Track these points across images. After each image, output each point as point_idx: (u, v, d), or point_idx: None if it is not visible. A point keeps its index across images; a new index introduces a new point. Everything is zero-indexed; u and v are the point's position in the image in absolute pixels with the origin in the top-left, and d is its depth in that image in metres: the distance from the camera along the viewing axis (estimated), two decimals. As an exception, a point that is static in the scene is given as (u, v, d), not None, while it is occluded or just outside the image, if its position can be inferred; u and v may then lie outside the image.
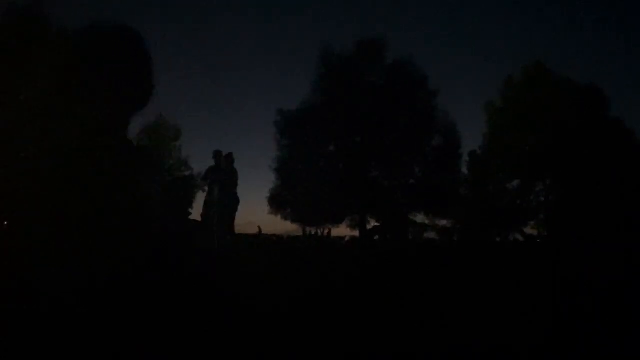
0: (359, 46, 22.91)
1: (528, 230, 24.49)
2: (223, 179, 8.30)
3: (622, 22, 54.96)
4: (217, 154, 8.69)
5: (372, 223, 22.76)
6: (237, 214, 8.61)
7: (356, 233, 22.80)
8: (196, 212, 10.05)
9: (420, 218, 23.38)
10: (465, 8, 55.84)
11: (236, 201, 8.51)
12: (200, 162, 28.12)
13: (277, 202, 22.74)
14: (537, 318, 3.43)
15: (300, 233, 22.16)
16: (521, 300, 4.29)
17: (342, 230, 23.42)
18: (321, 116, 22.04)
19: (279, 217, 23.04)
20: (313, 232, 21.41)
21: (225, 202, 8.15)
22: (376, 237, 22.57)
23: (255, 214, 36.47)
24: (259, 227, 18.48)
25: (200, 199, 10.21)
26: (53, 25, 20.44)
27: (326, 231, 21.62)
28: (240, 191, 9.24)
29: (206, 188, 8.90)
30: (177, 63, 51.91)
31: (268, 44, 59.73)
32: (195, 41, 61.36)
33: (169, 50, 60.52)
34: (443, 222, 24.05)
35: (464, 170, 24.47)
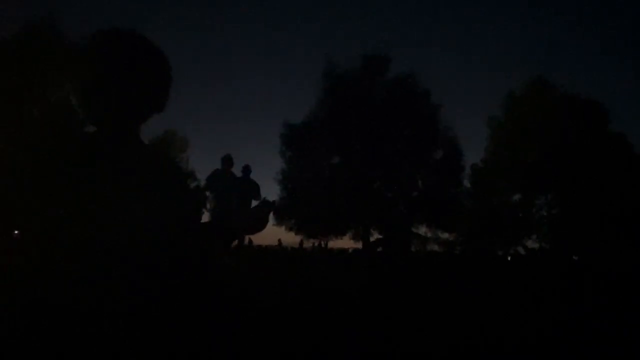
0: (363, 61, 23.00)
1: (530, 243, 24.42)
2: (241, 189, 7.62)
3: (625, 37, 55.11)
4: (227, 160, 7.83)
5: (375, 235, 22.70)
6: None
7: (359, 245, 22.73)
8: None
9: (422, 230, 23.28)
10: (470, 23, 56.22)
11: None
12: (206, 174, 28.21)
13: (282, 214, 22.72)
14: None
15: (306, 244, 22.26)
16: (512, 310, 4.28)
17: (346, 242, 23.38)
18: (326, 129, 22.09)
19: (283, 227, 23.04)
20: (316, 244, 21.46)
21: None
22: (379, 249, 22.50)
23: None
24: (279, 240, 19.77)
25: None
26: (67, 36, 20.67)
27: (323, 243, 21.82)
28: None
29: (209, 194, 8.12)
30: (184, 75, 52.30)
31: (274, 58, 60.20)
32: (200, 54, 61.90)
33: (176, 62, 61.14)
34: (445, 235, 23.97)
35: (467, 183, 24.56)
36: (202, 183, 26.75)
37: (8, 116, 18.70)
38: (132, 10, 59.10)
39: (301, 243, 21.62)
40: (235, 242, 7.97)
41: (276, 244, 20.32)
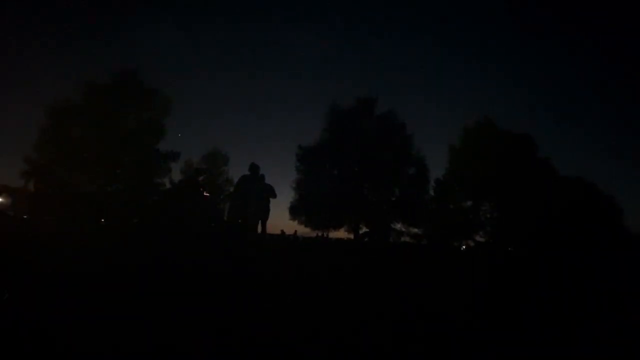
0: (357, 102, 23.31)
1: (478, 238, 24.37)
2: (258, 190, 7.16)
3: (558, 82, 55.33)
4: (254, 167, 7.39)
5: (363, 229, 22.77)
6: (268, 221, 7.38)
7: (351, 236, 22.79)
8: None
9: (398, 226, 23.30)
10: (436, 72, 56.70)
11: (267, 210, 7.35)
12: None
13: (295, 212, 22.87)
14: (467, 295, 3.56)
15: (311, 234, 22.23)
16: (458, 284, 4.44)
17: (341, 234, 23.42)
18: (329, 151, 22.31)
19: (296, 222, 23.11)
20: (320, 234, 21.48)
21: (259, 208, 7.08)
22: (366, 239, 22.53)
23: (281, 219, 36.33)
24: (295, 230, 19.71)
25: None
26: (145, 81, 20.97)
27: (325, 233, 21.72)
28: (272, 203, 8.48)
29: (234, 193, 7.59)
30: (232, 109, 53.10)
31: (293, 98, 60.89)
32: (242, 94, 62.60)
33: (229, 103, 61.61)
34: (415, 230, 23.95)
35: (432, 192, 24.60)
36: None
37: (102, 136, 19.05)
38: (185, 61, 59.73)
39: (295, 232, 21.21)
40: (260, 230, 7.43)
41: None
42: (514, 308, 2.90)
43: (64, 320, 1.68)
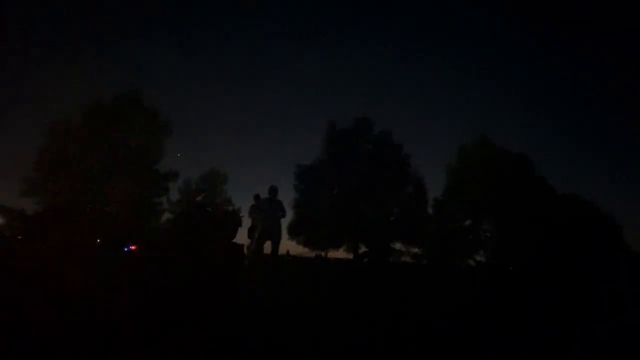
0: (355, 122, 23.60)
1: (477, 257, 24.07)
2: (274, 211, 7.10)
3: (553, 103, 56.32)
4: (274, 189, 7.32)
5: (363, 248, 22.54)
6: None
7: (350, 256, 22.52)
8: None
9: (398, 245, 23.08)
10: (433, 94, 57.82)
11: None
12: (240, 198, 28.39)
13: (294, 231, 22.68)
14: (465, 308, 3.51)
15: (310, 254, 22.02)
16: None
17: (340, 254, 23.17)
18: (327, 170, 22.34)
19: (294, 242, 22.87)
20: (321, 254, 21.29)
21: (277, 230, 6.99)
22: (365, 260, 22.27)
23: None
24: (287, 250, 19.60)
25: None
26: (145, 101, 21.28)
27: (324, 253, 21.58)
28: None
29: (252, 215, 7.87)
30: (232, 130, 53.85)
31: (293, 118, 61.71)
32: (239, 114, 63.51)
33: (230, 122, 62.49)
34: (415, 249, 23.71)
35: (430, 211, 24.51)
36: (237, 206, 26.69)
37: (101, 156, 19.10)
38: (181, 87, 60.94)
39: (287, 252, 21.20)
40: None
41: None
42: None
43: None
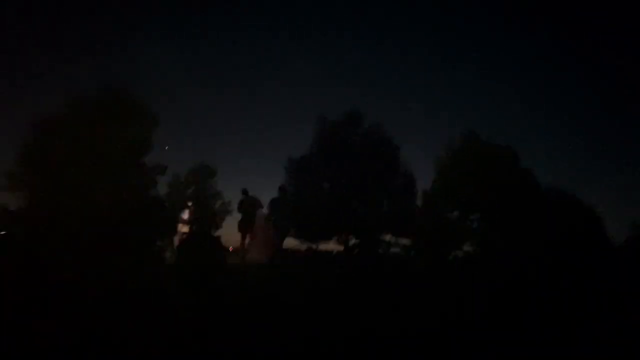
0: (345, 115, 23.60)
1: (465, 248, 24.49)
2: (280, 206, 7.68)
3: (542, 99, 57.20)
4: (283, 188, 8.09)
5: (353, 240, 22.72)
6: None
7: (341, 248, 22.71)
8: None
9: (387, 237, 23.34)
10: (423, 88, 58.06)
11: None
12: (229, 192, 28.06)
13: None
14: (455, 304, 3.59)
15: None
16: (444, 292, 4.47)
17: (331, 246, 23.33)
18: (318, 164, 22.40)
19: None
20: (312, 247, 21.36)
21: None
22: (355, 251, 22.48)
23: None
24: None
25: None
26: (132, 94, 20.70)
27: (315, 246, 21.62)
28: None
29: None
30: (223, 122, 53.04)
31: (283, 111, 61.11)
32: (230, 108, 62.53)
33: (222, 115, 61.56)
34: (404, 241, 23.99)
35: (419, 203, 24.77)
36: (227, 200, 26.60)
37: (90, 149, 18.58)
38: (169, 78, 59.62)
39: None
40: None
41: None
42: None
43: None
